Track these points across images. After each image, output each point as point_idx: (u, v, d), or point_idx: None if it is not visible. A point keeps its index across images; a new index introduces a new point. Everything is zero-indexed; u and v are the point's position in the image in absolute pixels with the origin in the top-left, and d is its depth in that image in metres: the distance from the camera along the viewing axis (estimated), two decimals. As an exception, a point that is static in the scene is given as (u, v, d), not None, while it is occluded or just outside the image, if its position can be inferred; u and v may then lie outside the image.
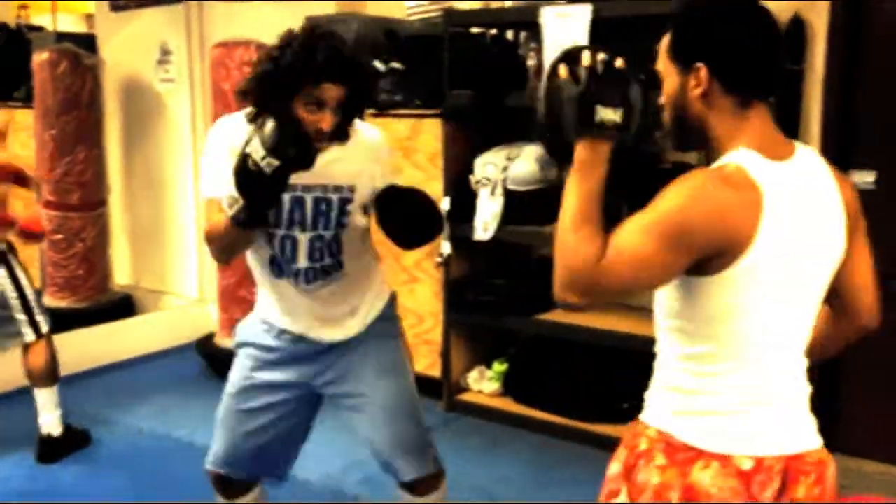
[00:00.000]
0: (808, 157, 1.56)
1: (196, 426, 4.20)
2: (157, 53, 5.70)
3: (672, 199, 1.45)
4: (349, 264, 2.42)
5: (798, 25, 3.60)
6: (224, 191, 2.11)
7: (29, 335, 3.76)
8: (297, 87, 2.10)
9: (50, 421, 3.84)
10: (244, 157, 1.99)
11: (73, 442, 3.94)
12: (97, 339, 4.94)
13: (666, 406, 1.62)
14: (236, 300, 4.82)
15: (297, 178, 2.12)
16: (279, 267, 2.38)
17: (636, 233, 1.45)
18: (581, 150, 1.51)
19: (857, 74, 3.63)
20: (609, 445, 3.76)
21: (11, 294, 3.73)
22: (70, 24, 6.80)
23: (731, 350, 1.54)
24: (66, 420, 3.88)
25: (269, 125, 1.99)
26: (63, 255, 5.60)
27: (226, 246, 2.24)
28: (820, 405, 4.07)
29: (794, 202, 1.49)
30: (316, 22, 2.50)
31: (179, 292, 5.92)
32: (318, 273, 2.39)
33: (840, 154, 3.64)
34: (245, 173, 1.99)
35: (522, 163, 3.94)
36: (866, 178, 3.63)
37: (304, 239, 2.33)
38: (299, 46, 2.10)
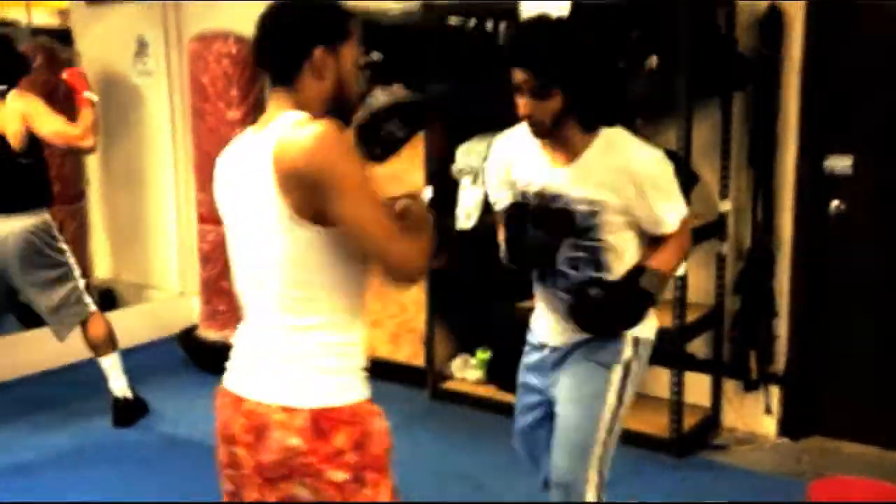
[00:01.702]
0: (273, 129, 1.66)
1: (179, 419, 4.20)
2: (134, 47, 5.66)
3: None
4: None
5: (775, 13, 3.63)
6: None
7: (92, 306, 4.06)
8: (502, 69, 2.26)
9: (121, 384, 4.11)
10: None
11: (142, 406, 4.22)
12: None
13: None
14: (218, 292, 4.81)
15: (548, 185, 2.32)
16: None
17: None
18: None
19: (833, 61, 3.67)
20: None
21: (77, 272, 4.00)
22: (45, 18, 6.74)
23: None
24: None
25: None
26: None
27: None
28: (799, 388, 4.12)
29: (228, 164, 1.77)
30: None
31: (161, 285, 5.90)
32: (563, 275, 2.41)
33: (817, 140, 3.68)
34: None
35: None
36: (844, 162, 3.67)
37: None
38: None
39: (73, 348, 4.14)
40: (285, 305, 1.67)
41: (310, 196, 1.58)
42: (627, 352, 2.38)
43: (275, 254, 1.64)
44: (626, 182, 2.24)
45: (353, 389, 1.69)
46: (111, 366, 4.09)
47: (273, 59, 1.73)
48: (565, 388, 2.41)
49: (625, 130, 2.32)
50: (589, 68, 2.21)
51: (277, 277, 1.66)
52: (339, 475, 1.64)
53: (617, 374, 2.38)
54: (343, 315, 1.69)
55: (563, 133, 2.27)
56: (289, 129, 1.62)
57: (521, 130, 2.35)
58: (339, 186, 1.57)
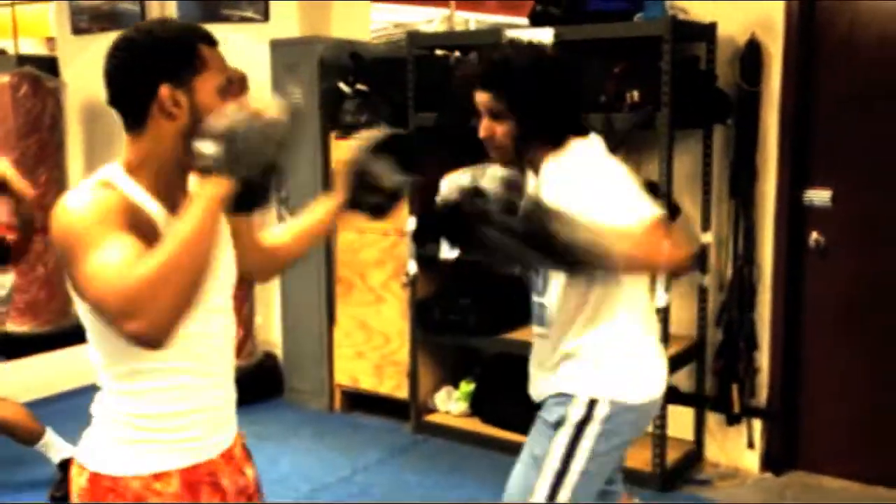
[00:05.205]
0: None
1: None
2: (120, 76, 5.67)
3: None
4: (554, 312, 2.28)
5: (754, 48, 3.67)
6: None
7: None
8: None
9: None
10: None
11: None
12: (59, 363, 4.88)
13: None
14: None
15: None
16: None
17: None
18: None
19: (812, 96, 3.71)
20: (575, 464, 3.79)
21: None
22: (32, 47, 6.76)
23: None
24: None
25: None
26: (24, 279, 5.51)
27: None
28: (780, 422, 4.12)
29: None
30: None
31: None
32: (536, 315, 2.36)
33: (797, 172, 3.72)
34: None
35: (488, 183, 3.97)
36: (823, 195, 3.70)
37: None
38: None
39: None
40: (96, 370, 1.61)
41: (64, 263, 1.45)
42: (577, 413, 2.18)
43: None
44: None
45: (136, 462, 1.57)
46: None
47: (118, 104, 1.59)
48: (525, 444, 2.34)
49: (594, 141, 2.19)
50: (541, 93, 2.13)
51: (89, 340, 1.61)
52: None
53: (563, 436, 2.19)
54: (141, 383, 1.56)
55: (529, 156, 2.18)
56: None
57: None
58: (68, 254, 1.42)
